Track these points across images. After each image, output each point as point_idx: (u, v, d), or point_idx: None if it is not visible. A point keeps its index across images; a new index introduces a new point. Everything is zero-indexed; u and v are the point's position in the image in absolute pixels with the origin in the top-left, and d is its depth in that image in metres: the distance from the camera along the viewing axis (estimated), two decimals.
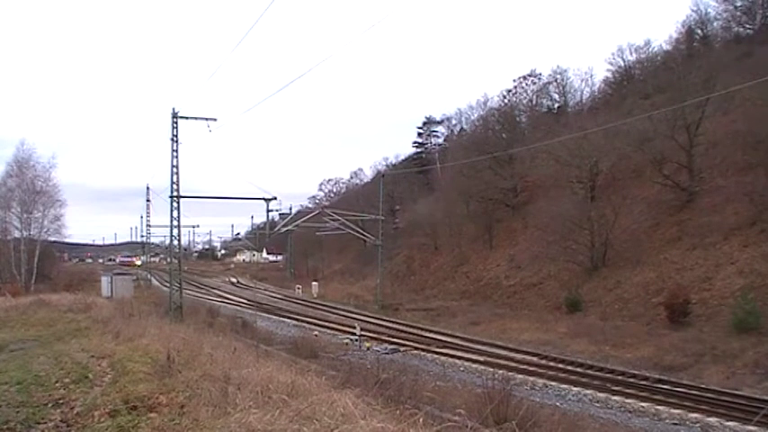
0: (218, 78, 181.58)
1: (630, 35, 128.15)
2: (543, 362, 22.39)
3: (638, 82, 51.39)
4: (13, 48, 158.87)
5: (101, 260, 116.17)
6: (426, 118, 79.71)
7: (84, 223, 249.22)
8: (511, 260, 43.62)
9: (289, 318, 36.60)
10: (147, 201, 68.65)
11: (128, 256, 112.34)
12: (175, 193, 32.20)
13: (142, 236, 79.75)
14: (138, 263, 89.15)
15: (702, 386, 17.90)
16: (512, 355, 23.68)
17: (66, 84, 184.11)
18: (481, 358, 22.41)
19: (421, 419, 5.05)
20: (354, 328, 28.66)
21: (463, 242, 50.57)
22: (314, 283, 57.29)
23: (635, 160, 39.43)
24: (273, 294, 57.47)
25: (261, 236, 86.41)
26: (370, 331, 28.99)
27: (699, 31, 54.04)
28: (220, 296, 52.77)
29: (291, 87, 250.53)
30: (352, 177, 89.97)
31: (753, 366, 19.67)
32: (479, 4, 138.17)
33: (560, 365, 21.68)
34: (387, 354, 23.59)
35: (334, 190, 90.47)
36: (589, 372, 20.51)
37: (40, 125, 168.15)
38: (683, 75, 36.08)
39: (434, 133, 79.62)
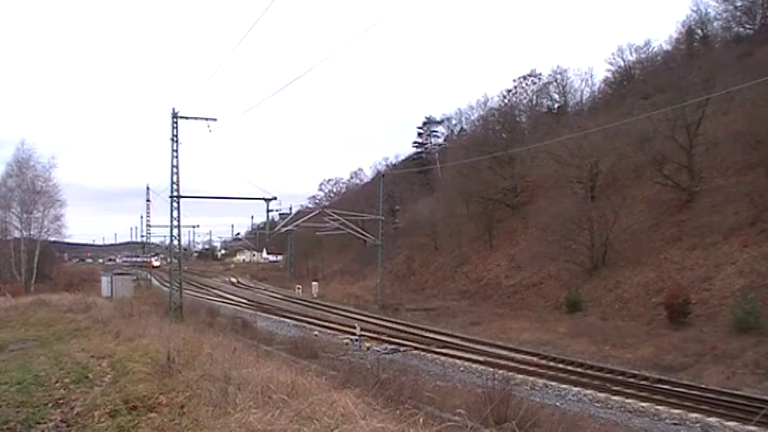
0: (218, 78, 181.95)
1: (630, 35, 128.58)
2: (543, 362, 22.37)
3: (638, 82, 51.36)
4: (13, 48, 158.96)
5: (101, 260, 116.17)
6: (426, 118, 79.92)
7: (83, 223, 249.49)
8: (511, 260, 43.60)
9: (289, 318, 36.58)
10: (147, 201, 69.00)
11: (129, 256, 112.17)
12: (175, 193, 32.22)
13: (142, 236, 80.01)
14: (157, 263, 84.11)
15: (702, 386, 17.88)
16: (512, 355, 23.66)
17: (66, 84, 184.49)
18: (481, 358, 22.39)
19: (421, 419, 5.04)
20: (354, 328, 28.65)
21: (463, 242, 50.54)
22: (314, 283, 57.28)
23: (635, 160, 39.41)
24: (273, 294, 57.47)
25: (261, 236, 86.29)
26: (370, 331, 28.97)
27: (699, 31, 54.06)
28: (220, 296, 52.77)
29: (291, 87, 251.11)
30: (352, 177, 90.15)
31: (753, 366, 19.64)
32: (479, 5, 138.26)
33: (560, 365, 21.66)
34: (387, 354, 23.59)
35: (335, 190, 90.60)
36: (589, 372, 20.49)
37: (40, 125, 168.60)
38: (683, 75, 36.08)
39: (434, 133, 79.81)
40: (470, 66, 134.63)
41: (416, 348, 25.21)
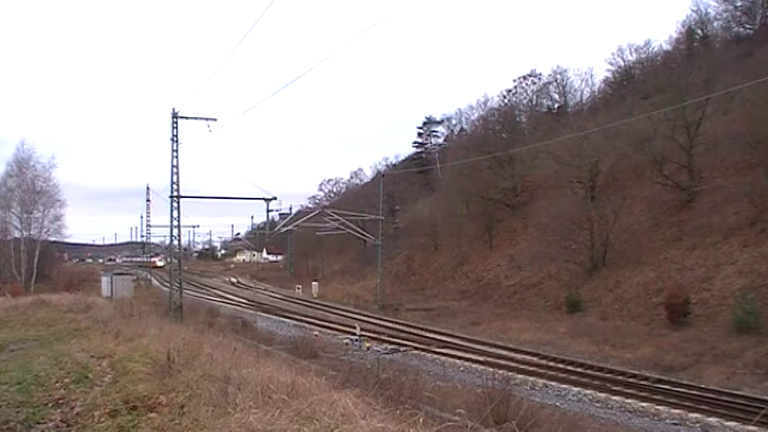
0: (218, 78, 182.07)
1: (630, 35, 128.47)
2: (543, 362, 22.37)
3: (638, 82, 51.33)
4: (14, 48, 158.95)
5: (101, 260, 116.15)
6: (426, 118, 79.98)
7: (84, 223, 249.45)
8: (511, 260, 43.58)
9: (289, 318, 36.57)
10: (147, 201, 68.75)
11: (129, 256, 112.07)
12: (175, 193, 32.20)
13: (142, 236, 79.78)
14: (161, 263, 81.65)
15: (702, 386, 17.87)
16: (512, 355, 23.65)
17: (66, 84, 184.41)
18: (481, 358, 22.39)
19: (421, 419, 5.04)
20: (354, 328, 28.65)
21: (463, 242, 50.53)
22: (314, 282, 57.25)
23: (635, 160, 39.38)
24: (273, 294, 57.46)
25: (261, 236, 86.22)
26: (370, 331, 28.97)
27: (699, 31, 54.02)
28: (220, 296, 52.77)
29: (291, 87, 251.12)
30: (352, 177, 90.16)
31: (753, 366, 19.63)
32: (479, 5, 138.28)
33: (560, 365, 21.66)
34: (387, 354, 23.58)
35: (335, 190, 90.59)
36: (589, 372, 20.48)
37: (40, 125, 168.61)
38: (682, 75, 36.01)
39: (434, 133, 79.86)
40: (470, 66, 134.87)
41: (416, 348, 25.20)
